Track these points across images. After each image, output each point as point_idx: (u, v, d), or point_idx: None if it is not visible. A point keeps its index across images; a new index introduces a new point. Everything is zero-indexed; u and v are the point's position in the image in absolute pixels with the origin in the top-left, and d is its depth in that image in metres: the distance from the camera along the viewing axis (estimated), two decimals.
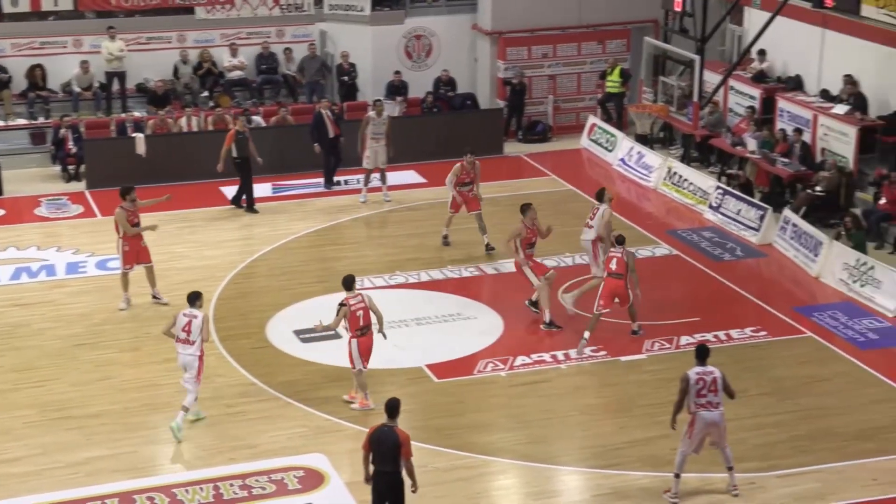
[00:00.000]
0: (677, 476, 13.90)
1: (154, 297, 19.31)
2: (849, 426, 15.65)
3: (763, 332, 18.35)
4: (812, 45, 25.41)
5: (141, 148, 24.63)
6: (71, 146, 25.29)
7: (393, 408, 12.56)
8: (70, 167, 25.31)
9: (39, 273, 20.64)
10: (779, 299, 19.54)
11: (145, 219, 19.51)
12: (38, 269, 20.82)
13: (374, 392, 15.91)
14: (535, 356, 17.51)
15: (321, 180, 24.79)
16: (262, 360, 17.43)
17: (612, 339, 18.03)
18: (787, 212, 21.82)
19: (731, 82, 26.48)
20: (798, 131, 24.11)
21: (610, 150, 26.72)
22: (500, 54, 28.38)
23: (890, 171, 22.09)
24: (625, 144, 26.32)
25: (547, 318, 18.37)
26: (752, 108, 25.74)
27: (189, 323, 15.43)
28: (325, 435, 15.39)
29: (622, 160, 26.08)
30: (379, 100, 24.78)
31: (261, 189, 23.91)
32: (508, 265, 20.78)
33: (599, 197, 19.39)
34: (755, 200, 22.67)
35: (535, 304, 18.79)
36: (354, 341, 15.68)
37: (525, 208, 18.77)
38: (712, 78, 26.34)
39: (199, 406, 15.78)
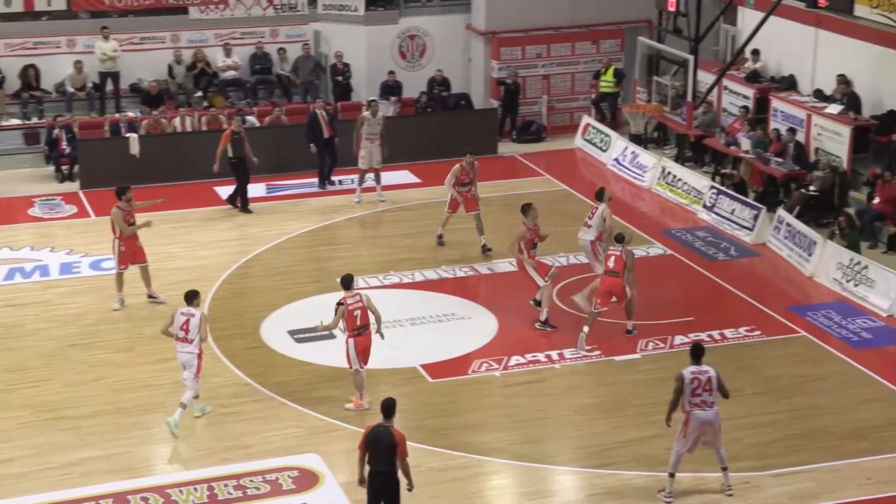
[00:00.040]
0: (672, 476, 13.91)
1: (150, 296, 19.30)
2: (843, 425, 15.67)
3: (757, 332, 18.36)
4: (806, 44, 25.43)
5: (135, 148, 24.61)
6: (65, 146, 25.26)
7: (389, 408, 12.56)
8: (64, 167, 25.28)
9: (33, 273, 20.62)
10: (773, 299, 19.56)
11: (138, 219, 19.46)
12: (31, 269, 20.79)
13: (368, 392, 15.90)
14: (529, 356, 17.51)
15: (315, 180, 24.78)
16: (256, 361, 17.42)
17: (606, 338, 18.03)
18: (780, 211, 21.84)
19: (725, 82, 26.50)
20: (792, 131, 24.14)
21: (604, 150, 26.74)
22: (494, 54, 28.39)
23: (883, 170, 22.12)
24: (619, 144, 26.33)
25: (543, 316, 18.38)
26: (745, 107, 25.77)
27: (187, 322, 15.44)
28: (320, 435, 15.38)
29: (616, 160, 26.09)
30: (374, 100, 24.78)
31: (255, 189, 23.89)
32: (503, 265, 20.82)
33: (599, 196, 19.39)
34: (749, 200, 22.69)
35: (539, 302, 18.79)
36: (351, 341, 15.67)
37: (526, 208, 18.75)
38: (706, 78, 26.38)
39: (202, 411, 15.81)
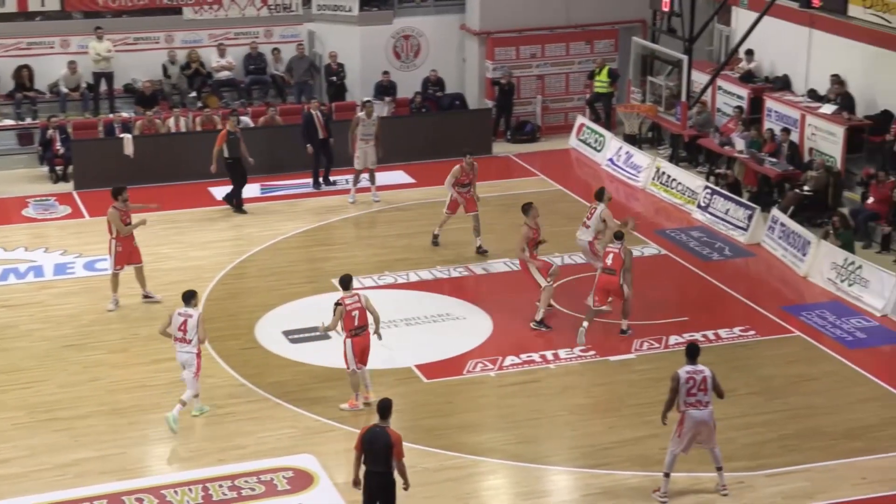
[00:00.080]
0: (667, 475, 13.91)
1: (146, 296, 19.29)
2: (837, 425, 15.69)
3: (751, 332, 18.38)
4: (799, 44, 25.47)
5: (129, 149, 24.58)
6: (59, 147, 25.23)
7: (385, 408, 12.56)
8: (58, 168, 25.25)
9: (27, 274, 20.59)
10: (767, 299, 19.58)
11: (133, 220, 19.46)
12: (25, 270, 20.76)
13: (373, 392, 15.88)
14: (524, 356, 17.51)
15: (310, 181, 24.77)
16: (251, 361, 17.41)
17: (601, 338, 18.04)
18: (775, 211, 21.86)
19: (719, 82, 26.53)
20: (786, 131, 24.17)
21: (598, 151, 26.75)
22: (489, 54, 28.39)
23: (877, 170, 22.15)
24: (613, 144, 26.35)
25: (539, 316, 18.38)
26: (739, 107, 25.80)
27: (184, 322, 15.44)
28: (315, 436, 15.38)
29: (611, 160, 26.11)
30: (369, 101, 24.77)
31: (249, 189, 23.86)
32: (498, 265, 20.84)
33: (599, 196, 19.34)
34: (743, 200, 22.71)
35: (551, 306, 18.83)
36: (349, 341, 15.67)
37: (527, 208, 18.73)
38: (700, 78, 26.39)
39: (199, 411, 15.81)
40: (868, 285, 19.22)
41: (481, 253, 21.11)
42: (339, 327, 15.76)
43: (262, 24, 28.38)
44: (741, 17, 27.01)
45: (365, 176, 23.93)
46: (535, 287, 18.47)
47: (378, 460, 12.43)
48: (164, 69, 27.53)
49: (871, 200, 21.93)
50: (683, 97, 25.80)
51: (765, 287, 20.24)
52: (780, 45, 26.05)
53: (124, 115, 26.30)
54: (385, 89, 27.84)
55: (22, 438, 15.34)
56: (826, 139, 23.51)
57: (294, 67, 27.99)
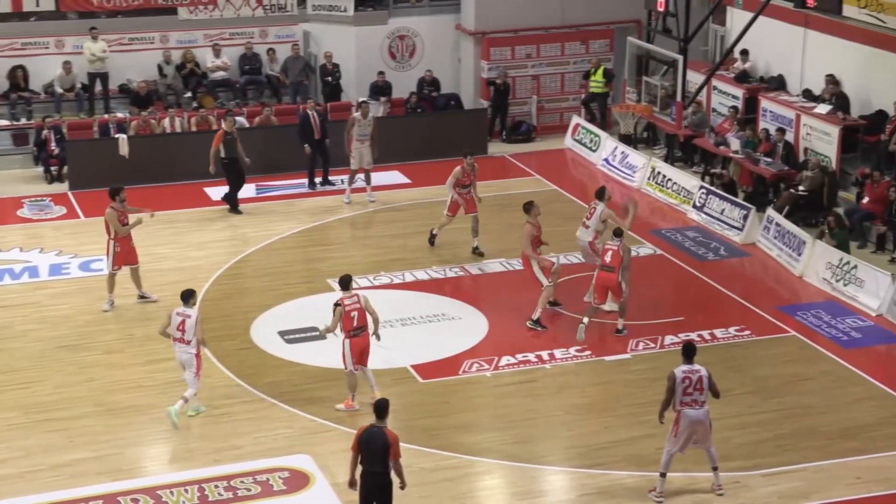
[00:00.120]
0: (663, 475, 13.92)
1: (141, 296, 19.27)
2: (832, 425, 15.70)
3: (747, 332, 18.40)
4: (794, 44, 25.50)
5: (124, 149, 24.56)
6: (53, 147, 25.21)
7: (382, 408, 12.55)
8: (52, 168, 25.23)
9: (22, 275, 20.56)
10: (762, 299, 19.60)
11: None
12: (20, 270, 20.74)
13: (359, 393, 15.89)
14: (519, 356, 17.51)
15: (305, 181, 24.76)
16: (246, 362, 17.40)
17: (596, 339, 18.06)
18: (770, 211, 21.88)
19: (714, 82, 26.55)
20: (781, 131, 24.19)
21: (594, 150, 26.77)
22: (484, 54, 28.40)
23: (872, 170, 22.18)
24: (608, 144, 26.36)
25: (536, 315, 18.37)
26: (735, 107, 25.82)
27: (183, 322, 15.46)
28: (311, 436, 15.37)
29: (606, 160, 26.12)
30: (364, 101, 24.76)
31: (245, 190, 23.83)
32: (493, 266, 20.85)
33: (600, 195, 19.31)
34: (739, 200, 22.73)
35: (553, 303, 18.81)
36: (347, 342, 15.66)
37: (528, 206, 18.70)
38: (695, 78, 26.43)
39: (196, 411, 15.81)
40: (863, 285, 19.24)
41: (478, 254, 21.10)
42: (338, 328, 15.75)
43: (257, 24, 28.37)
44: (736, 17, 27.04)
45: (360, 176, 23.93)
46: (535, 286, 18.46)
47: (375, 461, 12.42)
48: (160, 69, 27.50)
49: (865, 200, 21.97)
50: (678, 97, 25.84)
51: (760, 287, 20.26)
52: (774, 45, 26.08)
53: (119, 115, 26.28)
54: (380, 89, 27.83)
55: (17, 439, 15.32)
56: (821, 139, 23.54)
57: (289, 68, 27.98)
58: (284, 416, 15.85)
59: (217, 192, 23.86)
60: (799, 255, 20.56)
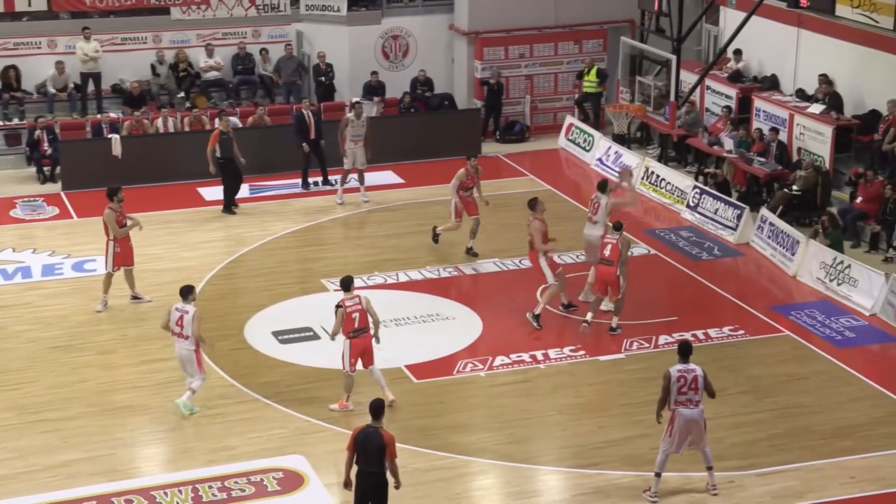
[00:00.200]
0: (658, 475, 13.91)
1: (134, 296, 19.23)
2: (826, 424, 15.71)
3: (741, 331, 18.40)
4: (788, 44, 25.52)
5: (117, 149, 24.52)
6: (46, 148, 25.15)
7: (378, 409, 12.53)
8: (45, 168, 25.18)
9: (15, 275, 20.51)
10: (756, 298, 19.61)
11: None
12: (13, 271, 20.69)
13: (353, 393, 15.86)
14: (514, 356, 17.51)
15: (299, 181, 24.74)
16: (240, 362, 17.37)
17: (591, 338, 18.06)
18: (764, 211, 21.90)
19: (708, 82, 26.56)
20: (774, 131, 24.21)
21: (587, 150, 26.77)
22: (477, 54, 28.39)
23: (866, 169, 22.20)
24: (602, 144, 26.37)
25: (537, 311, 18.35)
26: (728, 107, 25.84)
27: (181, 318, 15.48)
28: (305, 436, 15.35)
29: (600, 160, 26.12)
30: (358, 102, 24.73)
31: (231, 190, 23.76)
32: (488, 266, 20.84)
33: (602, 188, 19.31)
34: (732, 200, 22.74)
35: (568, 305, 18.79)
36: (348, 342, 15.63)
37: (533, 203, 18.67)
38: (689, 77, 26.41)
39: (192, 401, 15.79)
40: (857, 284, 19.26)
41: (472, 254, 21.07)
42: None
43: (250, 24, 28.33)
44: (729, 17, 27.06)
45: (354, 176, 23.91)
46: (530, 285, 18.46)
47: (371, 461, 12.41)
48: (153, 69, 27.45)
49: (859, 200, 21.98)
50: (672, 97, 25.81)
51: (754, 286, 20.27)
52: (768, 44, 26.10)
53: (112, 115, 26.20)
54: (374, 89, 27.81)
55: (11, 440, 15.29)
56: (814, 139, 23.56)
57: (282, 68, 27.95)
58: (278, 417, 15.83)
59: (211, 192, 23.82)
60: (793, 254, 20.58)
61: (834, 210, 22.03)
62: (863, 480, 14.43)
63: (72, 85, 26.96)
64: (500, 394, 16.55)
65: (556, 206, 23.46)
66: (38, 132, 25.25)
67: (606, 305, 18.30)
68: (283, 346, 17.86)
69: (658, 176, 24.47)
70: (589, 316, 18.03)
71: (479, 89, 28.27)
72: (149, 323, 18.39)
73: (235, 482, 14.28)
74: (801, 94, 25.01)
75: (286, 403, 16.12)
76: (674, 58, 25.67)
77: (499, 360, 17.42)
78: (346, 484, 12.70)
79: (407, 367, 17.15)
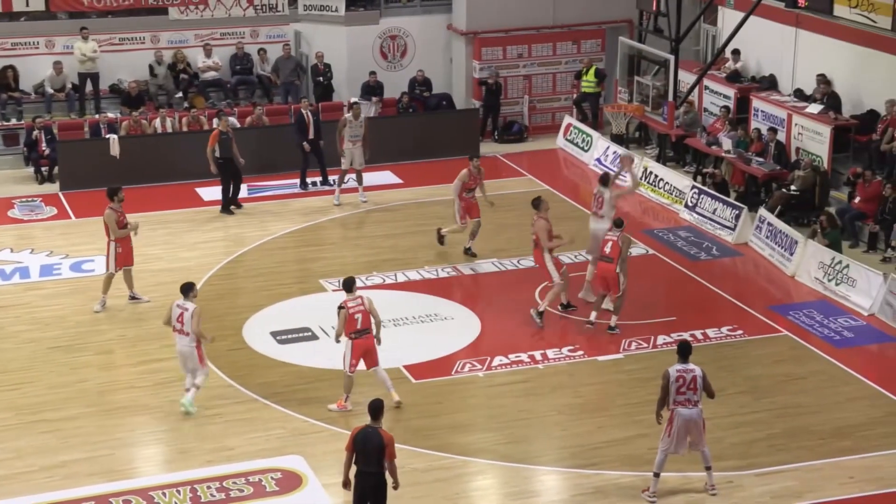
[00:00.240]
0: (657, 475, 13.91)
1: (132, 297, 19.22)
2: (825, 424, 15.72)
3: (739, 331, 18.41)
4: (786, 44, 25.53)
5: (115, 149, 24.51)
6: (44, 148, 25.14)
7: (377, 409, 12.53)
8: (43, 169, 25.16)
9: (13, 275, 20.50)
10: (755, 298, 19.61)
11: None
12: (11, 271, 20.67)
13: (352, 393, 15.85)
14: (512, 356, 17.50)
15: (297, 181, 24.73)
16: (238, 362, 17.37)
17: (589, 338, 18.06)
18: (762, 211, 21.90)
19: (706, 82, 26.57)
20: (773, 131, 24.21)
21: (586, 150, 26.78)
22: (476, 54, 28.38)
23: (864, 169, 22.21)
24: (600, 144, 26.37)
25: (542, 308, 18.36)
26: (726, 107, 25.84)
27: (181, 315, 15.52)
28: (303, 437, 15.35)
29: (598, 160, 26.12)
30: (356, 102, 24.71)
31: (233, 189, 23.75)
32: (486, 266, 20.84)
33: (605, 182, 19.30)
34: (730, 200, 22.75)
35: (567, 305, 18.80)
36: (350, 343, 15.63)
37: (538, 202, 18.66)
38: (687, 78, 26.44)
39: (188, 401, 15.80)
40: (855, 284, 19.27)
41: (470, 255, 21.07)
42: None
43: (249, 24, 28.32)
44: (727, 17, 27.06)
45: (352, 176, 23.91)
46: (528, 285, 18.48)
47: (370, 461, 12.41)
48: (151, 69, 27.44)
49: (857, 200, 21.99)
50: (670, 97, 25.84)
51: (752, 286, 20.27)
52: (766, 44, 26.11)
53: (110, 115, 26.20)
54: (372, 89, 27.80)
55: (9, 440, 15.27)
56: (813, 139, 23.56)
57: (280, 68, 27.94)
58: (277, 417, 15.83)
59: (209, 192, 23.81)
60: (791, 254, 20.58)
61: (832, 210, 22.04)
62: (861, 480, 14.43)
63: (70, 85, 26.94)
64: (499, 394, 16.55)
65: (554, 206, 23.18)
66: (36, 132, 25.24)
67: (608, 304, 18.30)
68: (281, 347, 17.85)
69: (656, 176, 24.47)
70: (593, 315, 18.08)
71: (478, 89, 28.27)
72: (148, 323, 18.40)
73: (234, 482, 14.27)
74: (799, 94, 25.02)
75: (285, 404, 16.12)
76: (672, 58, 25.69)
77: (497, 360, 17.42)
78: (346, 484, 12.70)
79: (405, 367, 17.14)
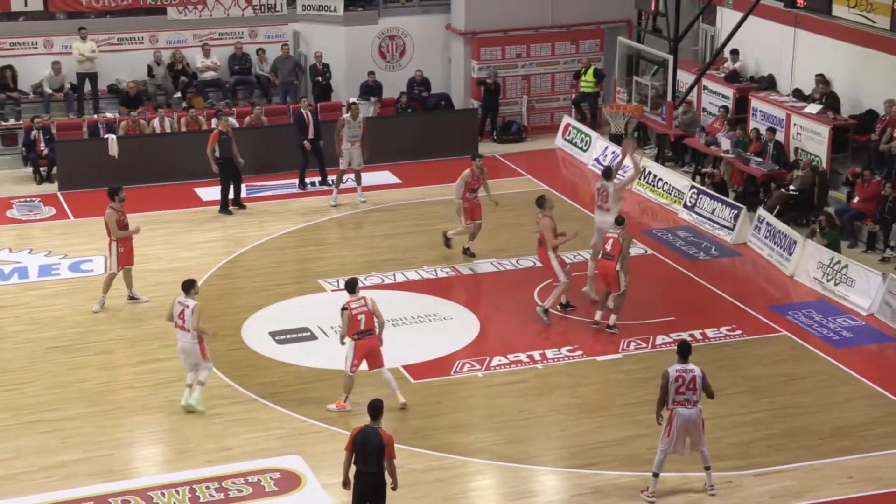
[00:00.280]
0: (656, 475, 13.90)
1: (131, 297, 19.21)
2: (824, 424, 15.71)
3: (738, 331, 18.40)
4: (784, 44, 25.53)
5: (113, 149, 24.49)
6: (42, 148, 25.13)
7: (376, 409, 12.54)
8: (42, 169, 25.15)
9: (12, 275, 20.49)
10: (754, 298, 19.61)
11: None
12: (10, 271, 20.66)
13: (352, 393, 15.84)
14: (511, 356, 17.50)
15: (296, 181, 24.72)
16: (237, 362, 17.36)
17: (588, 339, 18.06)
18: (761, 211, 21.91)
19: (705, 82, 26.57)
20: (771, 131, 24.22)
21: (584, 150, 26.78)
22: (474, 54, 28.38)
23: (863, 169, 22.21)
24: (599, 144, 26.37)
25: (548, 304, 18.37)
26: (725, 107, 25.85)
27: (182, 311, 15.58)
28: (302, 437, 15.34)
29: (597, 160, 26.11)
30: (354, 102, 24.68)
31: (234, 190, 23.75)
32: (485, 266, 20.83)
33: (608, 175, 19.30)
34: (729, 200, 22.75)
35: (566, 305, 18.79)
36: (353, 343, 15.62)
37: (542, 200, 18.65)
38: (686, 78, 26.44)
39: (185, 400, 15.83)
40: (854, 284, 19.27)
41: (469, 255, 21.06)
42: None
43: (247, 24, 28.31)
44: (726, 17, 27.07)
45: (350, 177, 23.91)
46: (527, 286, 18.49)
47: (370, 461, 12.41)
48: (149, 69, 27.42)
49: (856, 200, 22.00)
50: (669, 97, 25.83)
51: (751, 286, 20.27)
52: (764, 44, 26.11)
53: (109, 115, 26.20)
54: (370, 89, 27.80)
55: (8, 441, 15.27)
56: (811, 139, 23.57)
57: (279, 68, 27.94)
58: (276, 417, 15.82)
59: (208, 192, 23.81)
60: (790, 254, 20.58)
61: (831, 210, 22.04)
62: (861, 480, 14.43)
63: (68, 85, 26.93)
64: (498, 394, 16.54)
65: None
66: (34, 132, 25.22)
67: (612, 302, 18.28)
68: (280, 347, 17.84)
69: (655, 176, 24.47)
70: (598, 315, 18.06)
71: (476, 89, 28.26)
72: (147, 323, 18.39)
73: (233, 482, 14.26)
74: (797, 93, 25.02)
75: (283, 404, 16.11)
76: (671, 58, 25.69)
77: (496, 360, 17.41)
78: (345, 483, 12.70)
79: (404, 367, 17.13)
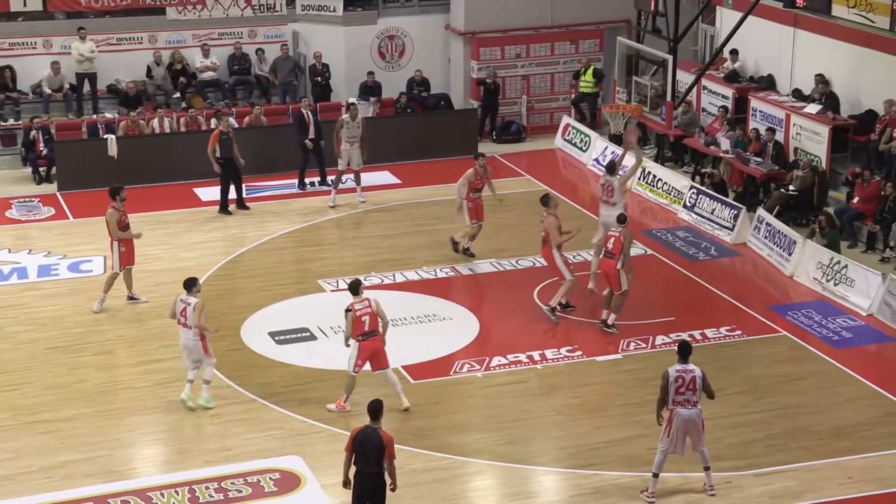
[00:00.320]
0: (655, 476, 13.90)
1: (131, 297, 19.21)
2: (824, 424, 15.71)
3: (738, 332, 18.40)
4: (784, 44, 25.53)
5: (113, 149, 24.48)
6: (42, 148, 25.12)
7: (376, 409, 12.53)
8: (41, 169, 25.14)
9: (11, 276, 20.48)
10: (753, 298, 19.61)
11: None
12: (9, 271, 20.65)
13: (352, 394, 15.84)
14: (511, 357, 17.49)
15: (296, 181, 24.71)
16: (237, 363, 17.35)
17: (588, 339, 18.05)
18: (760, 211, 21.91)
19: (704, 82, 26.56)
20: (771, 131, 24.22)
21: (584, 151, 26.77)
22: (474, 54, 28.38)
23: (862, 169, 22.21)
24: (599, 144, 26.37)
25: (553, 303, 18.37)
26: (724, 107, 25.85)
27: (184, 309, 15.65)
28: (301, 437, 15.33)
29: (596, 160, 26.11)
30: (353, 103, 24.67)
31: (235, 190, 23.75)
32: (484, 266, 20.82)
33: (611, 170, 19.28)
34: (729, 200, 22.75)
35: (566, 305, 18.79)
36: (357, 344, 15.61)
37: (546, 199, 18.64)
38: (685, 78, 26.44)
39: (185, 400, 15.84)
40: (854, 284, 19.27)
41: (468, 255, 21.05)
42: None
43: (246, 24, 28.31)
44: (726, 17, 27.06)
45: (350, 177, 23.90)
46: (526, 286, 18.46)
47: (370, 461, 12.40)
48: (149, 69, 27.41)
49: (856, 200, 21.99)
50: (668, 97, 25.83)
51: (751, 287, 20.27)
52: (764, 44, 26.11)
53: (108, 115, 26.19)
54: (370, 89, 27.79)
55: (7, 441, 15.26)
56: (811, 139, 23.56)
57: (278, 68, 27.93)
58: (275, 418, 15.81)
59: (208, 192, 23.80)
60: (789, 254, 20.58)
61: (831, 210, 22.03)
62: (861, 480, 14.43)
63: (67, 85, 26.92)
64: (498, 394, 16.54)
65: None
66: (33, 133, 25.21)
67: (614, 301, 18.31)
68: (279, 347, 17.83)
69: (654, 176, 24.47)
70: (605, 314, 18.04)
71: (476, 89, 28.26)
72: (146, 323, 18.39)
73: (232, 483, 14.26)
74: (797, 94, 25.02)
75: (283, 404, 16.10)
76: (670, 58, 25.69)
77: (496, 360, 17.40)
78: (346, 483, 12.69)
79: (404, 367, 17.12)
